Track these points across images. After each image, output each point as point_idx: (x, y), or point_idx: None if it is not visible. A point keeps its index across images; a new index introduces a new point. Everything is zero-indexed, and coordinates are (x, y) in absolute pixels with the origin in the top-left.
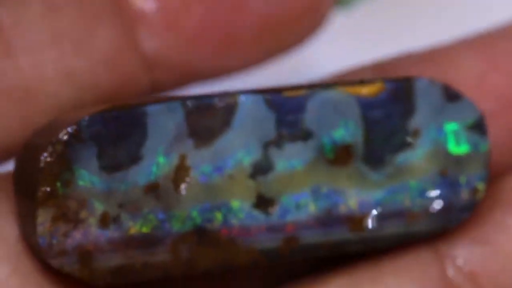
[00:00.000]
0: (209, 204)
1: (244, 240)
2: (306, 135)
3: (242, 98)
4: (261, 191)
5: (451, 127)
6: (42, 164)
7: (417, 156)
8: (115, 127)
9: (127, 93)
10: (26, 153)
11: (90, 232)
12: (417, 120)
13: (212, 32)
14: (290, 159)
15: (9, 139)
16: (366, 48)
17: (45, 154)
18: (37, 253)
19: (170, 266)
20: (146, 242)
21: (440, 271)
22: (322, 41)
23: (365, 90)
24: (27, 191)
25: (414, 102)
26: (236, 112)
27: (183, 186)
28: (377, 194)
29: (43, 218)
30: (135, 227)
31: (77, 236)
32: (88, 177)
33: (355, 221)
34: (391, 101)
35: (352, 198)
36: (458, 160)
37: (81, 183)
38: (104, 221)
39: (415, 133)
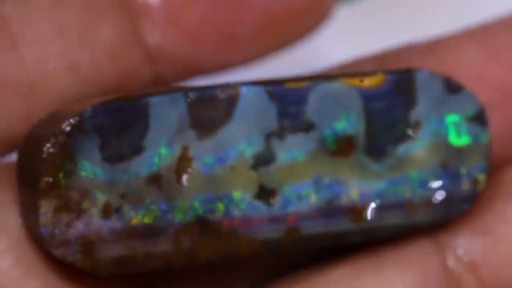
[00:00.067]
0: (211, 195)
1: (246, 231)
2: (307, 127)
3: (244, 90)
4: (263, 182)
5: (452, 118)
6: (44, 155)
7: (418, 148)
8: (118, 118)
9: (130, 86)
10: (29, 143)
11: (92, 222)
12: (418, 112)
13: (215, 27)
14: (292, 150)
15: (13, 132)
16: (370, 40)
17: (48, 145)
18: (40, 243)
19: (172, 257)
20: (148, 232)
21: (440, 262)
22: (327, 34)
23: (367, 82)
24: (30, 181)
25: (415, 94)
26: (238, 104)
27: (185, 177)
28: (378, 185)
29: (46, 209)
30: (137, 218)
31: (79, 226)
32: (90, 168)
33: (357, 212)
34: (393, 93)
35: (354, 189)
36: (459, 152)
37: (83, 173)
38: (106, 211)
39: (416, 125)
